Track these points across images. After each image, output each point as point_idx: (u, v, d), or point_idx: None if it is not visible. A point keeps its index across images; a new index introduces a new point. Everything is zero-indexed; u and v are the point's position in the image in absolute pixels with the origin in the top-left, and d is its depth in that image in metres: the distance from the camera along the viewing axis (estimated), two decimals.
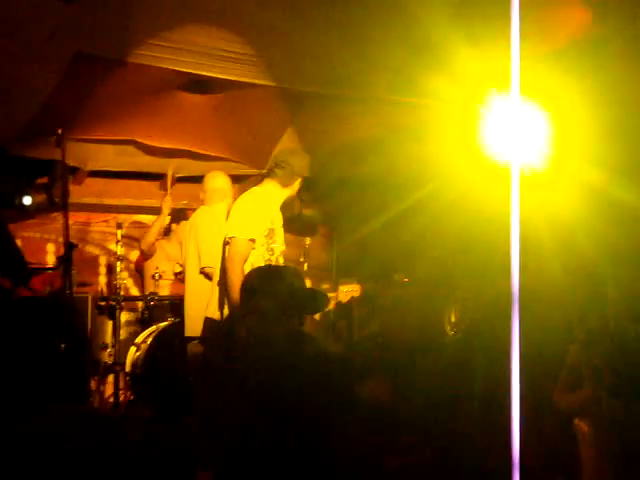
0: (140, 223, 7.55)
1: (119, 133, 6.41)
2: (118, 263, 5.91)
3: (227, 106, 6.04)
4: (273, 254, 4.37)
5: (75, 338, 3.64)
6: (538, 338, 3.92)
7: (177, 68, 5.15)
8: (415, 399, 4.59)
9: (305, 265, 6.15)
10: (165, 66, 5.10)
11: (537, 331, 3.96)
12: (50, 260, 7.05)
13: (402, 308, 6.55)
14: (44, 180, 6.58)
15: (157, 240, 6.32)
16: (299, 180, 4.61)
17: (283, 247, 4.49)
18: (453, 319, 5.93)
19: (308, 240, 6.43)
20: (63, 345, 3.38)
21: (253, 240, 4.29)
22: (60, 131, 3.83)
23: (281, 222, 4.53)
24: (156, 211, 7.50)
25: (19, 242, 5.92)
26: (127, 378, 5.68)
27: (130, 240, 7.15)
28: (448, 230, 6.48)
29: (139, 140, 6.53)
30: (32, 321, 3.63)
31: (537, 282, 4.55)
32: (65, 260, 3.50)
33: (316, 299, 3.35)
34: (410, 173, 6.81)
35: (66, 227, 3.55)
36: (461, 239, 6.30)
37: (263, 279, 3.22)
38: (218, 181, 5.33)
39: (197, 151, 6.70)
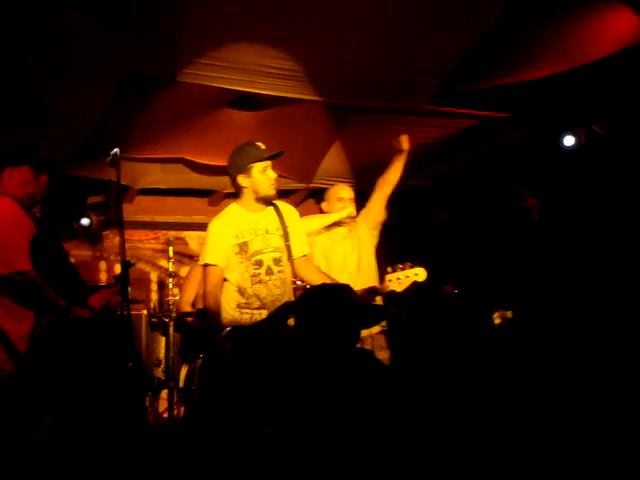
0: (189, 239, 7.65)
1: (168, 152, 6.49)
2: (170, 280, 5.97)
3: (274, 122, 6.07)
4: (261, 266, 4.26)
5: (133, 355, 3.68)
6: None
7: (225, 86, 5.22)
8: None
9: None
10: (213, 84, 5.17)
11: None
12: (103, 278, 7.16)
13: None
14: (95, 199, 6.69)
15: None
16: (255, 170, 4.29)
17: (276, 254, 4.32)
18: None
19: None
20: (130, 363, 3.41)
21: (208, 265, 4.25)
22: (115, 151, 3.87)
23: (270, 226, 4.36)
24: (205, 227, 7.58)
25: (72, 260, 6.01)
26: (180, 394, 5.72)
27: (180, 257, 7.22)
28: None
29: (188, 158, 6.60)
30: (91, 340, 3.69)
31: None
32: (122, 278, 3.54)
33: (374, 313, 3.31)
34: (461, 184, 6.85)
35: (122, 245, 3.59)
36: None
37: (317, 300, 3.17)
38: (338, 191, 5.27)
39: None
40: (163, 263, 7.34)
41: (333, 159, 6.90)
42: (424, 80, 5.44)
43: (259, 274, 4.23)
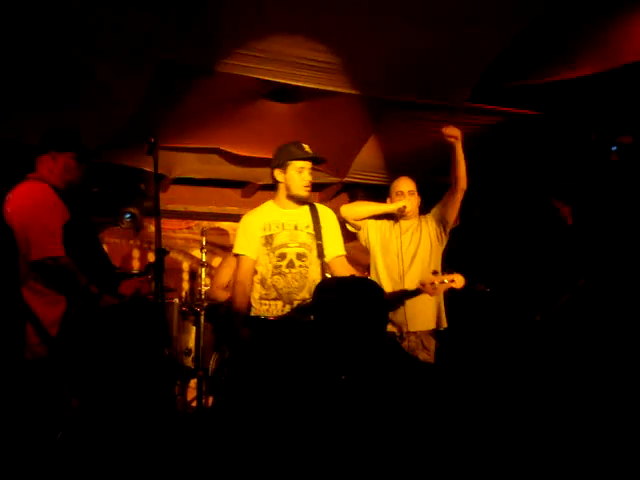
0: (222, 230, 7.66)
1: (204, 142, 6.50)
2: (203, 269, 5.98)
3: (310, 114, 6.06)
4: (284, 259, 4.40)
5: (166, 343, 3.71)
6: None
7: (263, 77, 5.22)
8: None
9: None
10: (251, 75, 5.17)
11: None
12: (136, 266, 7.20)
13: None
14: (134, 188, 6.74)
15: None
16: (291, 168, 4.45)
17: (301, 249, 4.44)
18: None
19: None
20: (167, 350, 3.43)
21: (238, 255, 4.48)
22: (153, 139, 3.89)
23: (300, 223, 4.49)
24: (237, 218, 7.61)
25: (105, 248, 6.05)
26: (209, 383, 5.74)
27: (212, 247, 7.24)
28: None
29: (223, 149, 6.61)
30: (122, 326, 3.70)
31: None
32: (156, 266, 3.55)
33: None
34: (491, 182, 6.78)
35: (158, 234, 3.60)
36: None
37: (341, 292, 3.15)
38: (397, 185, 5.25)
39: None
40: (195, 253, 7.37)
41: (368, 153, 6.87)
42: (463, 76, 5.41)
43: (280, 266, 4.39)
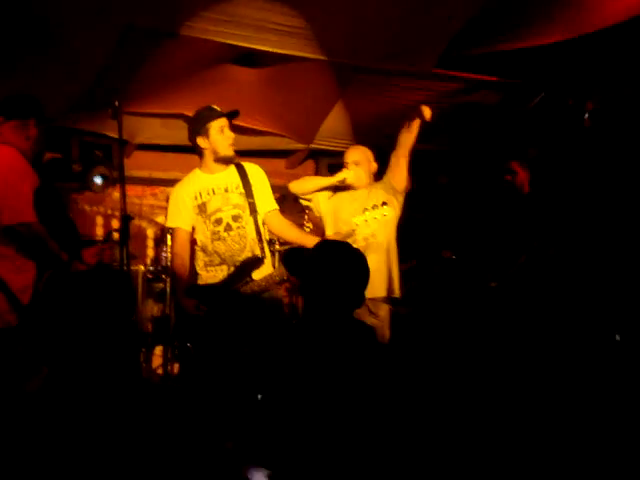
0: None
1: (168, 107, 6.41)
2: (168, 236, 5.94)
3: (276, 80, 6.01)
4: (220, 223, 4.37)
5: (130, 310, 3.68)
6: None
7: (228, 41, 5.15)
8: None
9: None
10: (216, 39, 5.10)
11: None
12: (100, 233, 7.12)
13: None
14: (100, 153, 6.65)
15: None
16: (212, 130, 4.38)
17: (235, 211, 4.41)
18: None
19: None
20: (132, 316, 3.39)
21: (171, 228, 4.48)
22: (117, 103, 3.82)
23: (230, 184, 4.44)
24: None
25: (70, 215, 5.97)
26: (175, 350, 5.74)
27: None
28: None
29: (188, 114, 6.52)
30: (96, 291, 3.67)
31: None
32: (122, 232, 3.51)
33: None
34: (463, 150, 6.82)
35: (123, 200, 3.56)
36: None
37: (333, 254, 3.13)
38: (346, 155, 5.20)
39: (245, 125, 6.66)
40: (160, 219, 7.29)
41: (335, 120, 6.83)
42: (431, 43, 5.39)
43: (218, 231, 4.37)
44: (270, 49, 5.32)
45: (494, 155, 6.89)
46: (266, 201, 4.53)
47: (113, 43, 5.10)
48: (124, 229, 3.53)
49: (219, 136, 4.38)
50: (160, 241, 7.10)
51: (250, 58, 5.67)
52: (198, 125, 4.42)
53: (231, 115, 4.43)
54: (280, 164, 8.05)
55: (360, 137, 7.14)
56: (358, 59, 5.55)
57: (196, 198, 4.41)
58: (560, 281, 5.43)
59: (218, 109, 4.41)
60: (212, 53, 5.47)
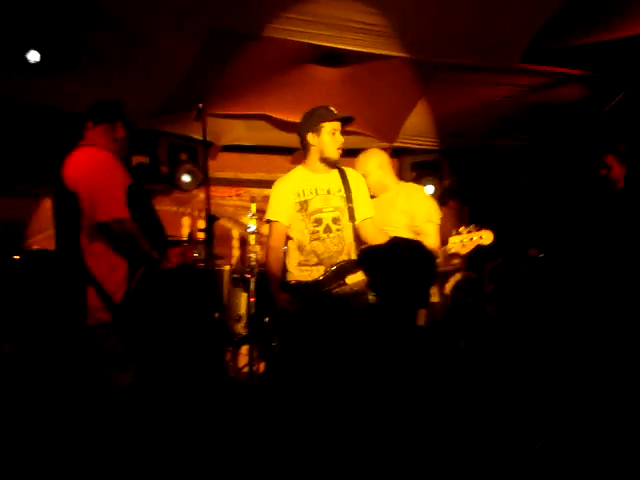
0: None
1: (252, 108, 6.48)
2: (253, 236, 5.99)
3: (358, 79, 6.00)
4: (320, 224, 4.38)
5: (218, 308, 3.73)
6: None
7: (311, 41, 5.17)
8: None
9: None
10: (299, 39, 5.13)
11: None
12: (185, 233, 7.23)
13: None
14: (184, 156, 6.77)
15: None
16: (324, 130, 4.41)
17: (335, 213, 4.41)
18: None
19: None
20: (217, 314, 3.44)
21: (270, 221, 4.51)
22: (201, 105, 3.88)
23: (332, 187, 4.46)
24: None
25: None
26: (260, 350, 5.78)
27: (262, 214, 7.23)
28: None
29: (271, 115, 6.58)
30: (185, 290, 3.73)
31: None
32: (207, 232, 3.56)
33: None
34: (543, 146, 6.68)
35: (208, 200, 3.61)
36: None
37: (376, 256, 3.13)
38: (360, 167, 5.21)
39: None
40: (245, 220, 7.36)
41: (417, 117, 6.78)
42: (515, 37, 5.29)
43: (317, 231, 4.38)
44: (352, 48, 5.31)
45: (582, 150, 6.74)
46: (364, 208, 4.55)
47: (197, 46, 5.19)
48: (209, 229, 3.57)
49: (330, 137, 4.42)
50: (245, 241, 7.18)
51: (332, 58, 5.68)
52: (312, 122, 4.46)
53: (346, 120, 4.47)
54: None
55: (444, 135, 7.09)
56: (440, 56, 5.49)
57: (299, 195, 4.44)
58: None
59: (335, 111, 4.45)
60: (295, 53, 5.50)
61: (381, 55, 5.45)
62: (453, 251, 4.57)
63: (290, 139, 7.16)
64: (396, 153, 7.87)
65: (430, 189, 7.31)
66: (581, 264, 6.09)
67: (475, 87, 6.19)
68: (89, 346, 3.73)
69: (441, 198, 7.51)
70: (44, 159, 4.14)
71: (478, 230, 4.52)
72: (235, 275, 6.39)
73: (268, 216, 4.53)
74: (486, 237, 4.51)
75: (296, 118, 6.59)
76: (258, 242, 6.39)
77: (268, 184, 7.67)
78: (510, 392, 4.40)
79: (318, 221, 4.40)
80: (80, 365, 3.74)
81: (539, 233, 7.05)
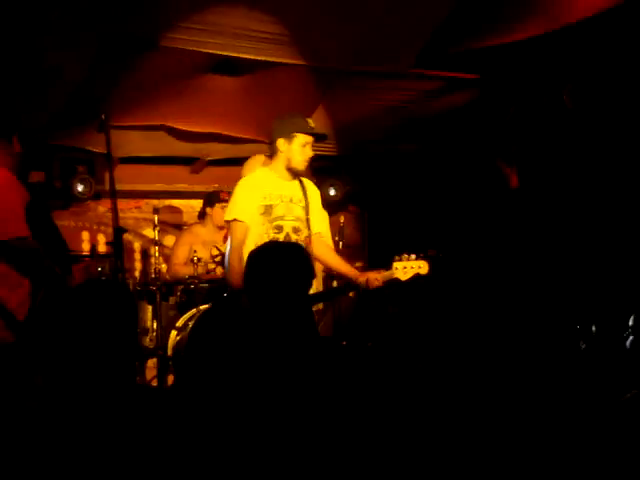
0: (172, 207, 7.60)
1: (150, 119, 6.40)
2: (156, 248, 5.93)
3: (257, 87, 6.02)
4: (281, 231, 4.38)
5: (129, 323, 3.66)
6: None
7: (208, 50, 5.17)
8: None
9: (340, 244, 6.12)
10: (197, 49, 5.12)
11: None
12: (85, 248, 7.08)
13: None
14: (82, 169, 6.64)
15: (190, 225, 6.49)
16: (296, 141, 4.39)
17: (296, 223, 4.44)
18: None
19: (342, 218, 6.46)
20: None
21: (236, 220, 4.37)
22: (104, 116, 3.83)
23: (295, 195, 4.48)
24: (187, 195, 7.53)
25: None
26: (169, 362, 5.71)
27: (164, 225, 7.16)
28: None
29: (170, 125, 6.53)
30: (96, 305, 3.65)
31: None
32: (115, 245, 3.52)
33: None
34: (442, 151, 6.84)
35: (115, 213, 3.58)
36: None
37: (260, 257, 3.15)
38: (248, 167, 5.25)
39: (227, 134, 6.68)
40: (146, 232, 7.27)
41: (316, 124, 6.82)
42: (407, 42, 5.42)
43: (277, 239, 4.33)
44: (249, 56, 5.34)
45: (475, 153, 6.95)
46: (317, 221, 4.57)
47: (92, 56, 5.09)
48: (117, 241, 3.53)
49: (300, 149, 4.38)
50: (147, 253, 7.09)
51: (230, 66, 5.67)
52: (285, 128, 4.41)
53: (319, 138, 4.50)
54: None
55: (342, 141, 7.17)
56: (336, 62, 5.58)
57: (264, 198, 4.39)
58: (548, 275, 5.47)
59: (312, 124, 4.43)
60: (192, 62, 5.48)
61: (276, 62, 5.49)
62: (395, 276, 4.51)
63: (190, 149, 7.15)
64: None
65: (332, 193, 7.46)
66: (479, 263, 6.29)
67: (372, 92, 6.31)
68: None
69: (341, 203, 7.65)
70: None
71: (417, 259, 4.55)
72: (139, 288, 6.30)
73: (233, 215, 4.39)
74: (424, 267, 4.54)
75: (195, 127, 6.62)
76: (161, 254, 6.33)
77: (168, 195, 7.67)
78: (425, 390, 4.48)
79: (279, 228, 4.37)
80: None
81: (438, 234, 7.23)
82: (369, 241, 8.06)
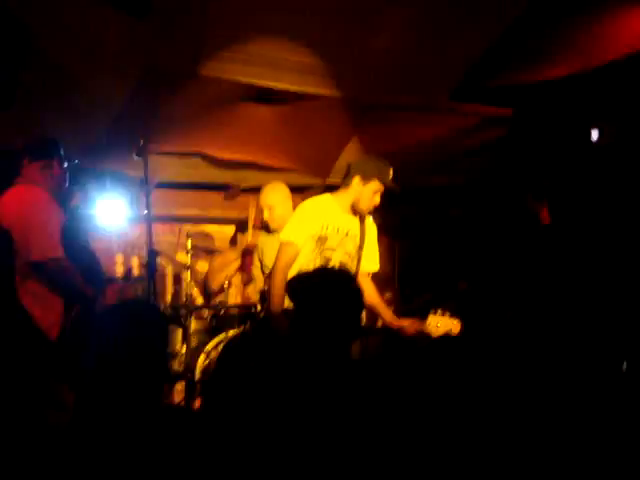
0: (206, 233, 7.68)
1: (188, 146, 6.51)
2: (188, 272, 6.00)
3: (292, 117, 6.10)
4: (328, 262, 4.41)
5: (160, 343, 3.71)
6: None
7: (247, 80, 5.25)
8: None
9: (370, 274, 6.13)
10: (235, 78, 5.19)
11: None
12: (120, 270, 7.18)
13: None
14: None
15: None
16: (372, 185, 4.47)
17: (345, 258, 4.47)
18: None
19: None
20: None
21: (292, 244, 4.37)
22: (142, 142, 3.92)
23: (351, 230, 4.53)
24: (220, 221, 7.62)
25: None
26: (197, 386, 5.75)
27: (197, 250, 7.24)
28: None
29: (207, 153, 6.63)
30: (128, 326, 3.71)
31: None
32: (148, 267, 3.59)
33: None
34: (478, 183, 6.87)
35: (150, 235, 3.65)
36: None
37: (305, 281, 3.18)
38: (266, 197, 5.37)
39: (263, 163, 6.77)
40: (179, 257, 7.37)
41: (350, 155, 6.90)
42: (443, 77, 5.47)
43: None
44: (285, 87, 5.41)
45: (509, 187, 6.96)
46: (370, 261, 4.62)
47: (132, 85, 5.21)
48: (151, 263, 3.60)
49: (371, 195, 4.44)
50: (179, 278, 7.18)
51: (267, 96, 5.77)
52: (368, 169, 4.47)
53: (392, 190, 4.48)
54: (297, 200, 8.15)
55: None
56: (371, 95, 5.63)
57: (322, 227, 4.43)
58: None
59: (391, 175, 4.46)
60: (228, 91, 5.57)
61: (313, 94, 5.56)
62: (428, 330, 4.53)
63: (224, 176, 7.24)
64: (329, 190, 8.00)
65: None
66: (508, 298, 6.27)
67: (404, 126, 6.36)
68: (26, 383, 3.69)
69: None
70: None
71: (452, 317, 4.54)
72: (169, 311, 6.38)
73: (289, 237, 4.41)
74: (456, 327, 4.52)
75: (231, 155, 6.71)
76: (193, 279, 6.41)
77: (202, 220, 7.77)
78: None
79: (327, 259, 4.41)
80: (17, 405, 3.69)
81: (467, 268, 7.23)
82: (399, 272, 8.07)
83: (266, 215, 5.21)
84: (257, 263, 5.50)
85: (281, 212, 5.16)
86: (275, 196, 5.22)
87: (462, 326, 4.56)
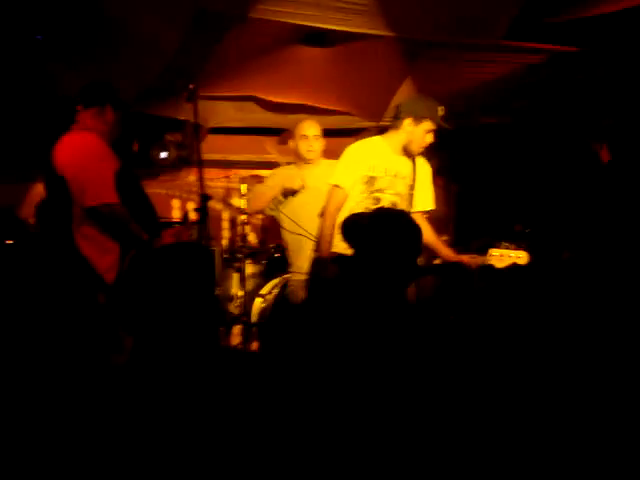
0: (260, 178, 7.70)
1: (239, 90, 6.50)
2: (243, 216, 6.04)
3: (343, 58, 6.02)
4: (378, 203, 4.39)
5: (212, 284, 3.79)
6: None
7: (297, 22, 5.17)
8: None
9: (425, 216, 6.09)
10: (285, 20, 5.13)
11: None
12: (176, 215, 7.28)
13: None
14: (171, 137, 6.78)
15: None
16: (423, 125, 4.42)
17: (396, 198, 4.45)
18: None
19: None
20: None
21: (337, 186, 4.40)
22: (192, 86, 3.92)
23: (401, 171, 4.50)
24: (274, 165, 7.62)
25: None
26: (253, 329, 5.84)
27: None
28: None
29: (258, 96, 6.61)
30: (181, 266, 3.78)
31: None
32: (200, 211, 3.61)
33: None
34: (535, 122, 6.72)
35: (201, 180, 3.66)
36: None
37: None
38: (302, 128, 5.30)
39: (314, 105, 6.71)
40: (234, 201, 7.42)
41: (403, 96, 6.79)
42: (498, 12, 5.32)
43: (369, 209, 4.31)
44: (336, 27, 5.32)
45: (567, 128, 6.80)
46: (424, 200, 4.60)
47: (184, 28, 5.20)
48: (203, 208, 3.63)
49: (423, 135, 4.42)
50: (235, 223, 7.23)
51: (318, 37, 5.70)
52: (418, 110, 4.44)
53: (441, 129, 4.43)
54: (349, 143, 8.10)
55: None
56: (424, 34, 5.51)
57: (370, 169, 4.43)
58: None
59: (442, 112, 4.40)
60: (281, 34, 5.52)
61: (364, 34, 5.47)
62: (490, 262, 4.55)
63: (277, 120, 7.21)
64: (383, 132, 7.92)
65: None
66: (566, 238, 6.17)
67: (461, 65, 6.22)
68: (83, 328, 3.78)
69: None
70: (37, 144, 4.17)
71: (516, 249, 4.54)
72: (226, 256, 6.45)
73: (336, 180, 4.44)
74: (523, 258, 4.52)
75: (283, 98, 6.68)
76: (248, 223, 6.44)
77: (256, 165, 7.79)
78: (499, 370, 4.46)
79: (377, 200, 4.40)
80: (76, 348, 3.79)
81: (524, 210, 7.13)
82: (456, 214, 8.00)
83: (305, 146, 5.16)
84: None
85: (322, 144, 5.18)
86: (317, 127, 5.20)
87: (530, 257, 4.54)
